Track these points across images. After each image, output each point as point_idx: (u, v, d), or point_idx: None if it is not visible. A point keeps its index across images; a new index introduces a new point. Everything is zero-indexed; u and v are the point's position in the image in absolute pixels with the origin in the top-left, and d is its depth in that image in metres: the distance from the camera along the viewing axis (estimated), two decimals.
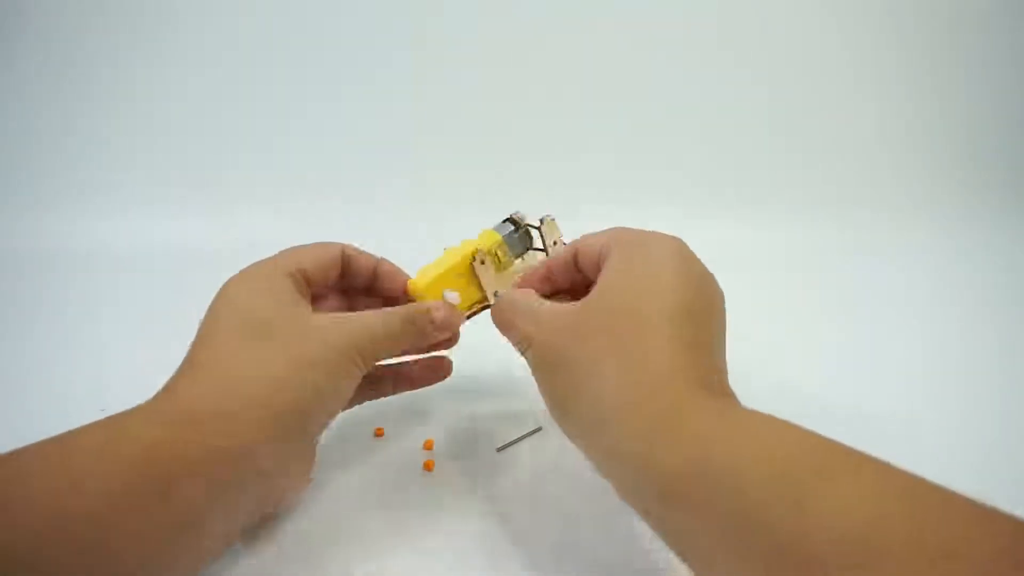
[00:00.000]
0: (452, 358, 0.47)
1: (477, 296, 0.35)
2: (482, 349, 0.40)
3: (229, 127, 0.78)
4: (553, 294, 0.34)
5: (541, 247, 0.37)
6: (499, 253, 0.35)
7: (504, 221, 0.37)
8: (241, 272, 0.31)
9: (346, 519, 0.32)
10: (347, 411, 0.38)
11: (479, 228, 0.37)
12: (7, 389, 0.43)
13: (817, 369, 0.48)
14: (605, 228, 0.31)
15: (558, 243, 0.37)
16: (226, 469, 0.24)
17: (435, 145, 0.81)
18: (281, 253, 0.32)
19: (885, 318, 0.59)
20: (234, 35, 0.77)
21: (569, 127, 0.82)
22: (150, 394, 0.26)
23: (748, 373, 0.27)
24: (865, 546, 0.16)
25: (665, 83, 0.82)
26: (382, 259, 0.35)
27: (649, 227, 0.30)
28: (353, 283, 0.35)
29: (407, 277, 0.35)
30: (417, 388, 0.37)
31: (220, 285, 0.31)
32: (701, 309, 0.26)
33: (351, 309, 0.36)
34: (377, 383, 0.36)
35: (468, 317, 0.36)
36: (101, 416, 0.24)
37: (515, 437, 0.39)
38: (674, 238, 0.29)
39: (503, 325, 0.31)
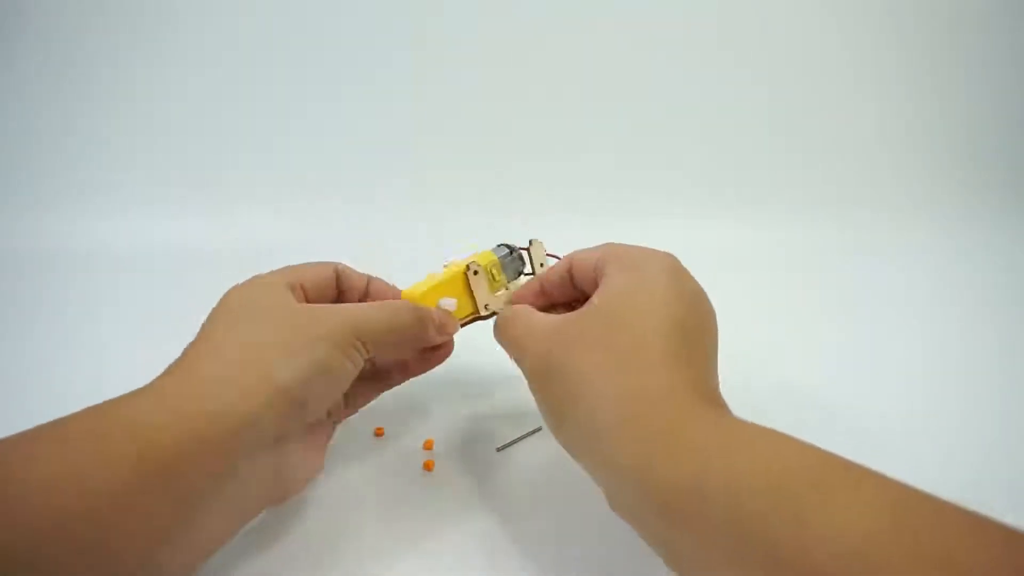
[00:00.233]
0: (452, 359, 0.47)
1: (468, 309, 0.36)
2: (482, 349, 0.39)
3: (229, 127, 0.79)
4: (548, 308, 0.34)
5: (530, 271, 0.38)
6: (494, 272, 0.37)
7: (499, 246, 0.38)
8: (242, 283, 0.32)
9: (346, 519, 0.32)
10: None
11: (479, 228, 0.38)
12: (7, 389, 0.43)
13: (817, 369, 0.48)
14: (599, 243, 0.32)
15: (544, 264, 0.38)
16: (228, 444, 0.24)
17: (435, 145, 0.81)
18: (280, 269, 0.33)
19: (885, 318, 0.59)
20: (234, 35, 0.77)
21: (569, 127, 0.82)
22: None
23: (748, 373, 0.27)
24: (864, 560, 0.17)
25: (665, 83, 0.82)
26: (372, 277, 0.36)
27: (649, 227, 0.31)
28: (347, 300, 0.35)
29: (397, 291, 0.36)
30: (422, 371, 0.37)
31: (220, 285, 0.31)
32: (695, 326, 0.27)
33: None
34: (383, 376, 0.36)
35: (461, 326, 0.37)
36: None
37: (515, 437, 0.39)
38: (667, 254, 0.29)
39: (501, 337, 0.32)
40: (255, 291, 0.30)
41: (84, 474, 0.21)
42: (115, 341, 0.50)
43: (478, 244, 0.39)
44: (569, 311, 0.31)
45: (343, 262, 0.35)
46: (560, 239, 0.36)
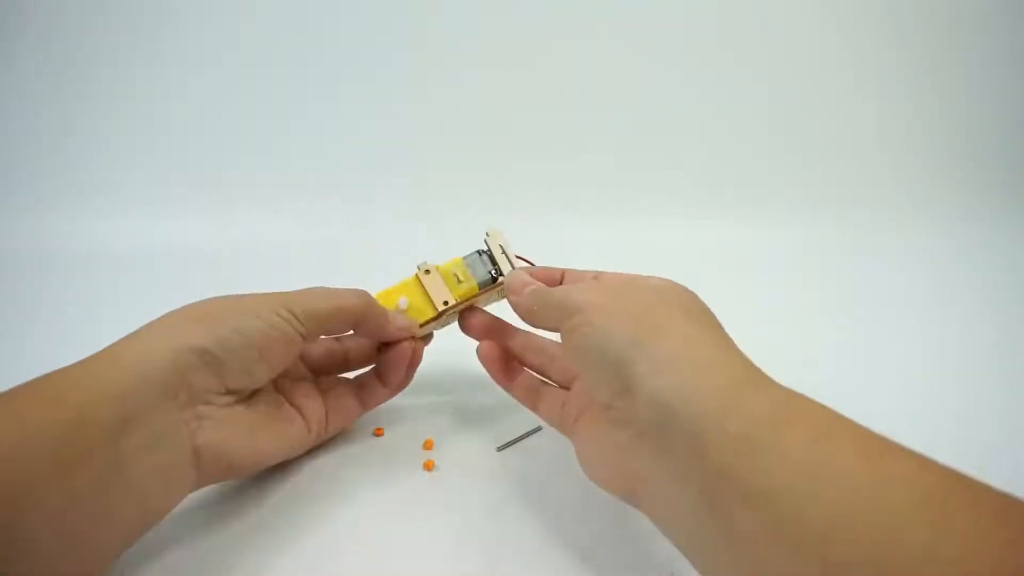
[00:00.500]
0: (452, 359, 0.47)
1: (429, 310, 0.37)
2: None
3: (229, 127, 0.79)
4: None
5: (500, 272, 0.38)
6: (458, 274, 0.37)
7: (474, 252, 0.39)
8: None
9: (346, 519, 0.32)
10: None
11: (479, 228, 0.38)
12: (7, 389, 0.43)
13: (817, 369, 0.48)
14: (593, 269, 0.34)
15: (505, 248, 0.38)
16: (133, 396, 0.25)
17: (435, 145, 0.81)
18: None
19: (885, 318, 0.59)
20: (234, 35, 0.77)
21: (569, 127, 0.82)
22: None
23: None
24: (928, 541, 0.16)
25: (665, 83, 0.82)
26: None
27: (649, 227, 0.31)
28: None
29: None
30: (395, 382, 0.38)
31: (220, 285, 0.32)
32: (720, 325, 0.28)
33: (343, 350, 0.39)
34: (362, 392, 0.37)
35: (423, 325, 0.37)
36: None
37: (515, 437, 0.39)
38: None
39: (537, 303, 0.32)
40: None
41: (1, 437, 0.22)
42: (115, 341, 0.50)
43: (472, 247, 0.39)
44: None
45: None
46: (560, 239, 0.36)
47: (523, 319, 0.33)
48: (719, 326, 0.27)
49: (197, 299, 0.31)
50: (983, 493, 0.18)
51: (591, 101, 0.82)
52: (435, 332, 0.41)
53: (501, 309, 0.38)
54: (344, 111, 0.80)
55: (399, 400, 0.41)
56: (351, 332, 0.35)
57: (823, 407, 0.22)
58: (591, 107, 0.82)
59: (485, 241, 0.38)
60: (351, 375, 0.39)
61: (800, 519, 0.18)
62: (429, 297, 0.37)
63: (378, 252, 0.38)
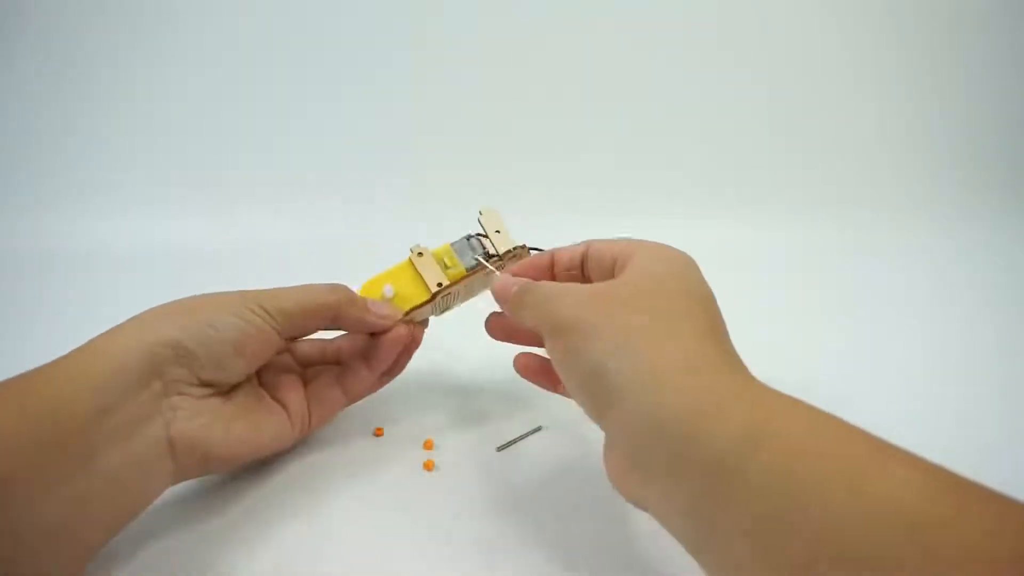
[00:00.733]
0: (451, 359, 0.47)
1: (422, 294, 0.37)
2: (481, 349, 0.40)
3: (229, 127, 0.79)
4: None
5: (495, 253, 0.37)
6: (446, 259, 0.37)
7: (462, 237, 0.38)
8: None
9: (346, 519, 0.32)
10: (347, 411, 0.38)
11: (479, 228, 0.38)
12: None
13: (817, 369, 0.48)
14: (621, 237, 0.32)
15: (501, 231, 0.37)
16: (105, 387, 0.25)
17: (435, 145, 0.81)
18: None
19: (885, 318, 0.59)
20: (234, 35, 0.77)
21: (569, 127, 0.82)
22: None
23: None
24: (924, 534, 0.17)
25: (665, 83, 0.82)
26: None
27: (649, 227, 0.31)
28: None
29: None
30: (384, 369, 0.37)
31: (220, 285, 0.32)
32: (719, 314, 0.28)
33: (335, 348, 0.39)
34: (347, 384, 0.37)
35: (411, 311, 0.37)
36: None
37: (515, 437, 0.39)
38: (687, 255, 0.31)
39: (519, 305, 0.31)
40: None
41: None
42: None
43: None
44: None
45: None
46: (560, 239, 0.36)
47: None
48: (711, 318, 0.27)
49: None
50: (989, 494, 0.18)
51: (591, 101, 0.82)
52: (434, 330, 0.40)
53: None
54: (344, 111, 0.80)
55: (399, 400, 0.41)
56: (342, 331, 0.35)
57: (799, 415, 0.22)
58: (591, 107, 0.82)
59: (479, 221, 0.37)
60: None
61: (783, 548, 0.19)
62: (423, 279, 0.37)
63: (378, 252, 0.38)
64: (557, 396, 0.35)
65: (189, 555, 0.30)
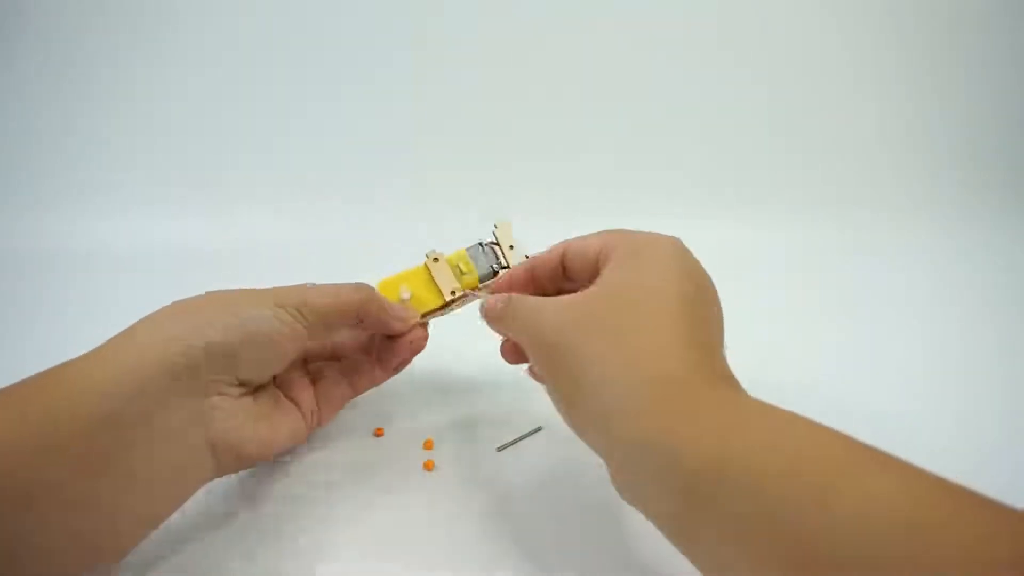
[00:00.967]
0: (452, 359, 0.47)
1: (435, 299, 0.37)
2: (481, 350, 0.40)
3: (229, 127, 0.78)
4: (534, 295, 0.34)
5: (506, 265, 0.38)
6: (461, 265, 0.37)
7: (476, 244, 0.39)
8: None
9: (346, 519, 0.32)
10: (347, 411, 0.38)
11: (479, 228, 0.38)
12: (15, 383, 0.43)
13: (817, 369, 0.48)
14: (597, 231, 0.31)
15: (514, 246, 0.38)
16: (145, 391, 0.25)
17: (435, 145, 0.81)
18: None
19: (885, 318, 0.59)
20: (234, 35, 0.77)
21: (569, 127, 0.82)
22: None
23: (747, 373, 0.27)
24: (892, 546, 0.16)
25: (665, 83, 0.82)
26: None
27: (649, 228, 0.31)
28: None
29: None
30: (391, 368, 0.38)
31: (220, 285, 0.31)
32: (704, 308, 0.27)
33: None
34: (354, 375, 0.37)
35: (425, 315, 0.37)
36: None
37: (515, 437, 0.39)
38: (670, 237, 0.29)
39: (503, 321, 0.31)
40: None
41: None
42: None
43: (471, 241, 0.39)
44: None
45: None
46: (560, 239, 0.36)
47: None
48: (692, 317, 0.26)
49: None
50: (958, 496, 0.18)
51: (591, 101, 0.82)
52: (434, 326, 0.40)
53: None
54: (344, 111, 0.80)
55: (399, 400, 0.41)
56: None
57: (769, 429, 0.21)
58: (591, 107, 0.82)
59: (493, 233, 0.38)
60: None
61: (764, 559, 0.19)
62: (436, 285, 0.37)
63: (378, 252, 0.38)
64: None
65: (188, 555, 0.30)
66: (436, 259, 0.37)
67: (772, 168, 0.83)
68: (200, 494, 0.33)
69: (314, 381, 0.36)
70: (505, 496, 0.34)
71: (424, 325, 0.38)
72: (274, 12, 0.77)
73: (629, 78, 0.81)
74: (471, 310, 0.40)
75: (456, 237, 0.38)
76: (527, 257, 0.38)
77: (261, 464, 0.35)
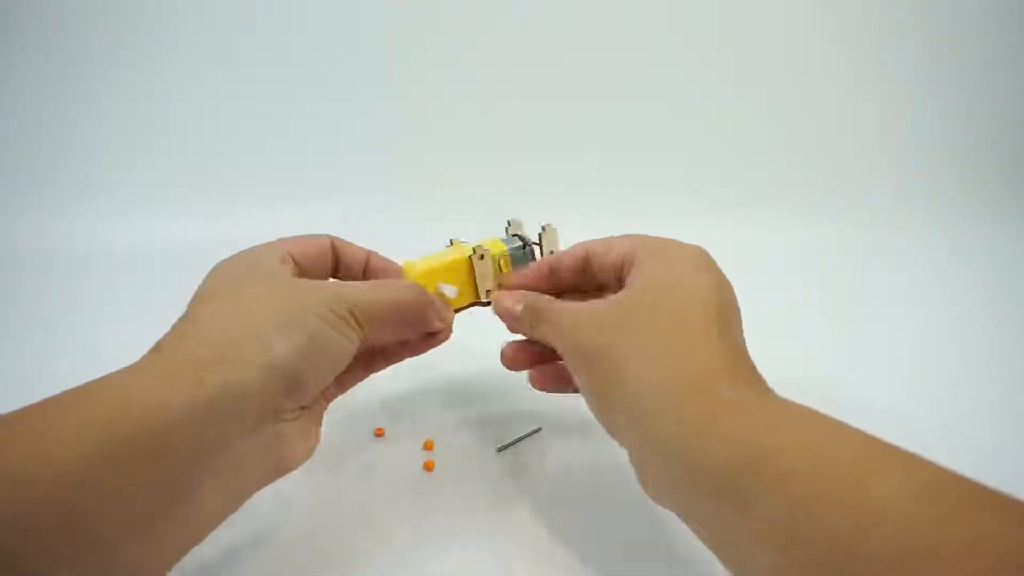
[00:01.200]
0: (452, 359, 0.47)
1: (468, 296, 0.36)
2: (482, 350, 0.40)
3: (229, 127, 0.79)
4: (552, 294, 0.34)
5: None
6: (502, 263, 0.36)
7: (512, 235, 0.37)
8: (232, 255, 0.30)
9: (346, 519, 0.32)
10: (347, 411, 0.38)
11: (478, 228, 0.38)
12: (7, 389, 0.43)
13: (817, 369, 0.48)
14: (624, 234, 0.32)
15: (555, 252, 0.37)
16: (219, 415, 0.23)
17: (435, 145, 0.81)
18: (272, 241, 0.32)
19: (885, 318, 0.59)
20: (234, 35, 0.77)
21: (569, 127, 0.82)
22: None
23: None
24: (924, 543, 0.17)
25: (665, 83, 0.82)
26: (372, 252, 0.35)
27: (649, 228, 0.31)
28: (347, 275, 0.34)
29: (398, 268, 0.35)
30: (413, 355, 0.36)
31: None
32: (733, 311, 0.28)
33: None
34: (372, 357, 0.35)
35: (456, 311, 0.36)
36: None
37: (515, 437, 0.39)
38: (698, 247, 0.30)
39: (533, 325, 0.31)
40: (245, 263, 0.29)
41: (58, 438, 0.20)
42: (115, 341, 0.50)
43: (493, 234, 0.38)
44: (573, 298, 0.31)
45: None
46: (560, 239, 0.36)
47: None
48: (721, 320, 0.26)
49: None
50: (985, 493, 0.18)
51: (591, 101, 0.82)
52: None
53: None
54: (344, 111, 0.80)
55: (399, 400, 0.41)
56: None
57: (798, 430, 0.22)
58: (591, 107, 0.82)
59: (539, 235, 0.36)
60: None
61: (792, 558, 0.19)
62: (473, 283, 0.35)
63: (378, 252, 0.38)
64: (557, 397, 0.35)
65: (187, 556, 0.30)
66: (482, 256, 0.34)
67: (772, 168, 0.83)
68: None
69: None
70: (505, 496, 0.34)
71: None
72: (274, 12, 0.77)
73: (629, 78, 0.81)
74: (470, 311, 0.40)
75: (456, 238, 0.38)
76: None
77: None
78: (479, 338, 0.37)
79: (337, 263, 0.34)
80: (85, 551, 0.20)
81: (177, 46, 0.76)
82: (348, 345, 0.28)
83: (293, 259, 0.31)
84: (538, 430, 0.39)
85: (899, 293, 0.64)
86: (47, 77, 0.75)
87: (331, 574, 0.29)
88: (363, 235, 0.36)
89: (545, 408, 0.41)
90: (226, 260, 0.30)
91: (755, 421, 0.22)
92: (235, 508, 0.26)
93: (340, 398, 0.33)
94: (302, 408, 0.28)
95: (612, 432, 0.28)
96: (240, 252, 0.31)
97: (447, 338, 0.35)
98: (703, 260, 0.29)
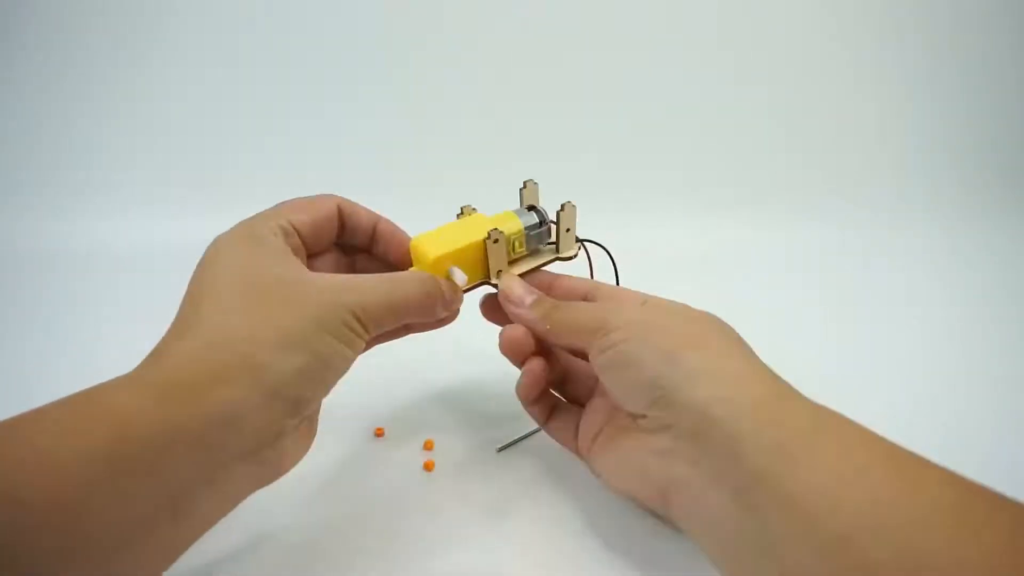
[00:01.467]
0: (452, 359, 0.47)
1: (478, 277, 0.35)
2: (482, 349, 0.40)
3: (229, 127, 0.79)
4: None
5: (553, 241, 0.36)
6: (516, 243, 0.34)
7: (528, 209, 0.36)
8: (231, 229, 0.29)
9: (346, 519, 0.32)
10: (347, 411, 0.38)
11: (489, 195, 0.37)
12: (7, 389, 0.43)
13: (817, 369, 0.47)
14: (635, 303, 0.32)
15: (571, 230, 0.35)
16: (218, 438, 0.22)
17: (435, 145, 0.81)
18: (275, 207, 0.31)
19: (885, 318, 0.59)
20: (234, 35, 0.77)
21: (569, 127, 0.82)
22: None
23: None
24: (943, 549, 0.17)
25: (665, 83, 0.82)
26: (381, 217, 0.34)
27: (649, 227, 0.31)
28: (352, 240, 0.33)
29: (406, 237, 0.34)
30: (417, 332, 0.35)
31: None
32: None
33: (351, 267, 0.35)
34: (370, 344, 0.34)
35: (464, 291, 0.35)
36: None
37: (515, 437, 0.39)
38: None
39: (560, 323, 0.31)
40: (246, 250, 0.28)
41: (52, 451, 0.19)
42: (115, 341, 0.50)
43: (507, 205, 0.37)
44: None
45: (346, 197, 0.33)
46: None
47: (530, 329, 0.33)
48: (751, 350, 0.28)
49: None
50: (1005, 503, 0.18)
51: (591, 101, 0.82)
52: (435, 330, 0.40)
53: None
54: (344, 111, 0.80)
55: (399, 400, 0.41)
56: None
57: (852, 422, 0.23)
58: (591, 107, 0.82)
59: (558, 213, 0.35)
60: None
61: (828, 521, 0.19)
62: (484, 264, 0.34)
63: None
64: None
65: (182, 556, 0.30)
66: (496, 240, 0.33)
67: (772, 168, 0.83)
68: None
69: None
70: (505, 496, 0.34)
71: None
72: (274, 12, 0.77)
73: (629, 78, 0.81)
74: (470, 311, 0.40)
75: (468, 204, 0.38)
76: (578, 243, 0.36)
77: None
78: (479, 338, 0.37)
79: (343, 227, 0.33)
80: (78, 564, 0.20)
81: (177, 46, 0.76)
82: (352, 355, 0.27)
83: (296, 229, 0.30)
84: (538, 430, 0.39)
85: (899, 293, 0.64)
86: (47, 77, 0.75)
87: (331, 574, 0.29)
88: None
89: None
90: (223, 239, 0.29)
91: (811, 407, 0.24)
92: (230, 510, 0.26)
93: (340, 398, 0.33)
94: (304, 420, 0.27)
95: (643, 409, 0.27)
96: (238, 226, 0.29)
97: (452, 319, 0.34)
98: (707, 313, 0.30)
